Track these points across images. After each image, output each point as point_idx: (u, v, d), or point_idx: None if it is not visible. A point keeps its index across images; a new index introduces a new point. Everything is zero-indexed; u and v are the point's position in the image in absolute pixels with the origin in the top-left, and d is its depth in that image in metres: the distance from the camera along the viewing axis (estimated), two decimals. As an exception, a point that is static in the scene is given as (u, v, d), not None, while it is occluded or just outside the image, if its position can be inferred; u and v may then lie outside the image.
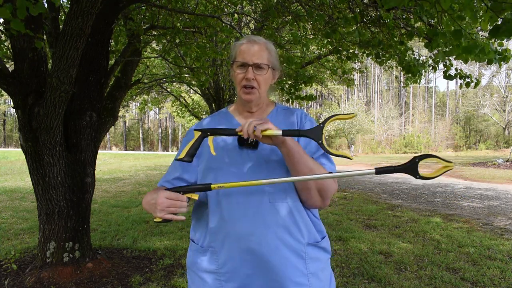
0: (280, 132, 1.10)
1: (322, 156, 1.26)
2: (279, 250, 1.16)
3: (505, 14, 1.70)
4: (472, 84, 3.68)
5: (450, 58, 3.25)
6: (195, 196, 1.17)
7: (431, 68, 4.09)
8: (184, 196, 1.13)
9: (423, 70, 3.96)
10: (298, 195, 1.23)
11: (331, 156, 1.17)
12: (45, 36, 3.48)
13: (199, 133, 1.16)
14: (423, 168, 1.02)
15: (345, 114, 1.09)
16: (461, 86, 3.70)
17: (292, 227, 1.19)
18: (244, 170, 1.22)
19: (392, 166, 1.03)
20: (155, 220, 1.15)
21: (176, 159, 1.20)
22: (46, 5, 3.47)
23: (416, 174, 1.02)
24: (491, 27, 1.79)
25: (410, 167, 1.03)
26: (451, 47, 2.38)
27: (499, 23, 1.75)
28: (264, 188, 1.19)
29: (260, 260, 1.15)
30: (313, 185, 1.19)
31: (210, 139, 1.15)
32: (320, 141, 1.09)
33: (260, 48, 1.25)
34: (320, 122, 1.11)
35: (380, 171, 1.03)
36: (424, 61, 4.12)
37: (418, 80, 4.32)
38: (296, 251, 1.18)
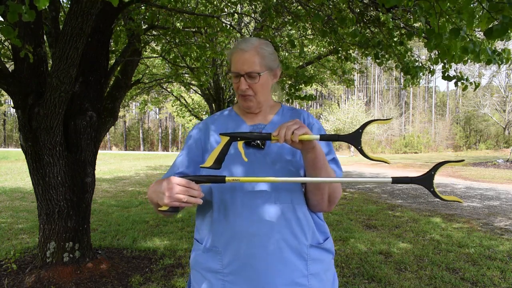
0: (317, 137, 1.07)
1: (332, 162, 1.26)
2: (282, 252, 1.15)
3: (500, 16, 1.69)
4: (472, 87, 3.68)
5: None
6: (200, 202, 1.12)
7: (428, 72, 4.08)
8: (197, 185, 1.07)
9: (421, 73, 3.95)
10: (308, 199, 1.23)
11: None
12: (45, 36, 3.48)
13: (227, 138, 1.10)
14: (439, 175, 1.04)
15: (382, 119, 1.08)
16: (464, 88, 3.68)
17: (296, 228, 1.19)
18: (250, 170, 1.22)
19: (408, 177, 1.05)
20: (160, 209, 1.08)
21: (201, 167, 1.13)
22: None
23: (430, 187, 1.04)
24: (487, 28, 1.79)
25: (426, 180, 1.04)
26: (447, 49, 2.38)
27: (495, 23, 1.75)
28: (269, 189, 1.19)
29: (263, 262, 1.15)
30: (327, 191, 1.19)
31: (240, 144, 1.11)
32: (359, 147, 1.07)
33: (250, 55, 1.22)
34: (358, 127, 1.08)
35: (396, 180, 1.04)
36: (423, 63, 4.12)
37: (417, 82, 4.31)
38: (299, 253, 1.18)
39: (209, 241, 1.23)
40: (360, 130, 1.08)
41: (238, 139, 1.10)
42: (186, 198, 1.05)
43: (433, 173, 1.04)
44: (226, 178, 1.08)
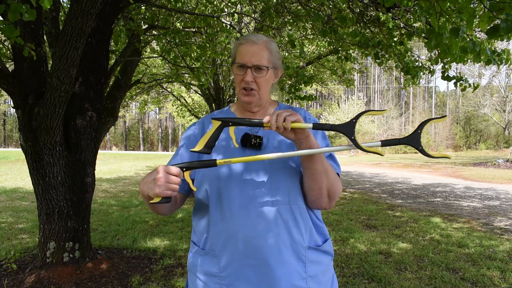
0: (310, 125, 1.04)
1: (329, 158, 1.25)
2: (280, 254, 1.14)
3: (502, 15, 1.69)
4: (471, 88, 3.68)
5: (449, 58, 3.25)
6: (194, 188, 1.11)
7: (428, 72, 4.08)
8: (185, 173, 1.06)
9: (421, 73, 3.96)
10: (306, 194, 1.20)
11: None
12: (45, 36, 3.48)
13: (219, 122, 1.06)
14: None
15: (376, 110, 1.08)
16: (463, 88, 3.68)
17: (294, 230, 1.17)
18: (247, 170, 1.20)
19: (396, 138, 1.07)
20: (151, 201, 1.03)
21: (192, 150, 1.09)
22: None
23: (418, 146, 1.07)
24: (489, 27, 1.78)
25: (413, 139, 1.07)
26: (447, 48, 2.38)
27: (496, 22, 1.74)
28: (267, 189, 1.17)
29: (261, 264, 1.13)
30: (325, 186, 1.16)
31: (231, 130, 1.07)
32: (352, 137, 1.06)
33: (260, 48, 1.20)
34: (352, 118, 1.07)
35: (385, 143, 1.06)
36: (423, 63, 4.12)
37: (417, 82, 4.32)
38: (297, 255, 1.17)
39: (206, 243, 1.22)
40: (354, 120, 1.06)
41: (230, 124, 1.07)
42: (174, 187, 1.01)
43: (419, 131, 1.06)
44: (218, 161, 1.05)
